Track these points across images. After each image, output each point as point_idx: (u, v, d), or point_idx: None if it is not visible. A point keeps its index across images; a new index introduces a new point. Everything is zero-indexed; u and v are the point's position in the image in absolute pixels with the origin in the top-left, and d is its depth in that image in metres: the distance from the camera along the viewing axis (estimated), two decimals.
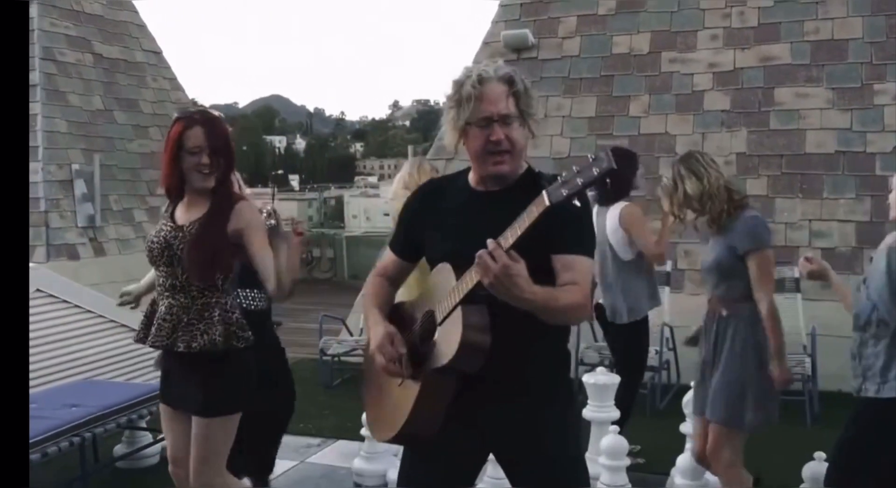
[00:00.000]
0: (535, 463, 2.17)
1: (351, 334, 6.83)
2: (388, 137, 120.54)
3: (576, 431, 2.33)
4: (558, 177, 1.87)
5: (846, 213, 6.47)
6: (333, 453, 4.83)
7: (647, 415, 5.25)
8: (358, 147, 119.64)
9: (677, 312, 6.04)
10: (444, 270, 2.13)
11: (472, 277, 1.98)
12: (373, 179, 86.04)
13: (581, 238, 2.12)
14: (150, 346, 2.86)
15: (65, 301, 5.46)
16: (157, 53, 11.47)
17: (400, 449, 4.25)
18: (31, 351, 5.14)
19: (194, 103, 2.54)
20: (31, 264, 5.78)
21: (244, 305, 3.27)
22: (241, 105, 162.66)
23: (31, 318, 5.24)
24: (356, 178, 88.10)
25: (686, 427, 4.03)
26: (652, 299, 4.55)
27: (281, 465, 4.59)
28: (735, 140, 6.94)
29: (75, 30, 10.11)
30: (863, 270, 6.03)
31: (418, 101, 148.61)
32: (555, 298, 1.99)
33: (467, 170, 2.29)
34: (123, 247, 9.66)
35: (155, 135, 10.91)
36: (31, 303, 5.23)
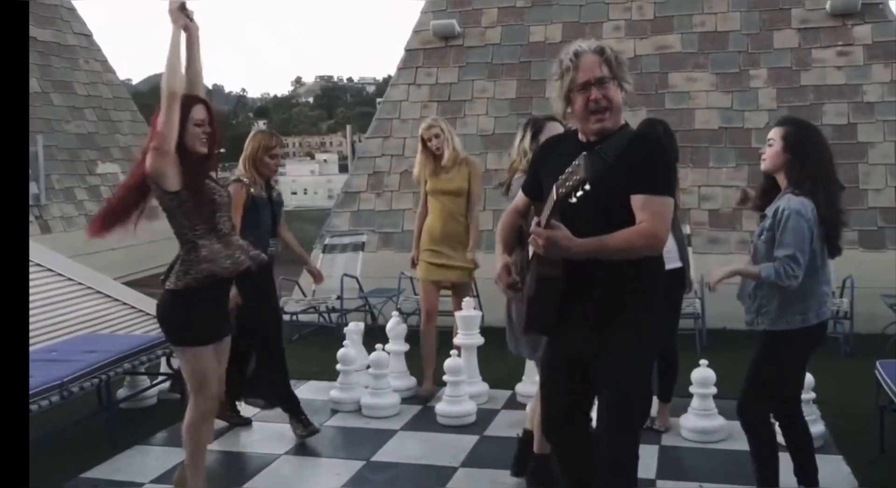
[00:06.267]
0: (617, 386, 2.53)
1: (304, 295, 7.55)
2: (291, 114, 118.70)
3: (652, 360, 2.75)
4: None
5: (728, 180, 7.52)
6: (307, 390, 5.52)
7: None
8: (261, 124, 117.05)
9: None
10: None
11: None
12: None
13: (653, 179, 2.44)
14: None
15: (49, 269, 5.96)
16: (88, 36, 11.69)
17: (367, 379, 5.19)
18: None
19: None
20: None
21: None
22: (135, 81, 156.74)
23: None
24: None
25: None
26: None
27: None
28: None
29: None
30: (741, 227, 7.18)
31: (322, 77, 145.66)
32: (603, 243, 2.36)
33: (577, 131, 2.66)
34: (67, 224, 9.99)
35: (90, 116, 11.19)
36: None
